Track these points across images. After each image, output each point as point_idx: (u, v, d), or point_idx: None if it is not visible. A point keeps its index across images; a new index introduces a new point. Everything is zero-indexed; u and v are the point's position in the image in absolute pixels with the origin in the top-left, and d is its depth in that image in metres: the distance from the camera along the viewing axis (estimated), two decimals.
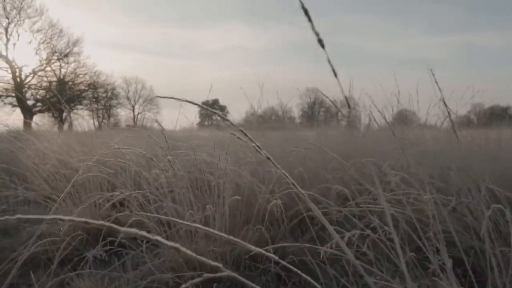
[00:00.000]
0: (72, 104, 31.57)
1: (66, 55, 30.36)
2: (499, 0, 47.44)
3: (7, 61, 28.81)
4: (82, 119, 30.47)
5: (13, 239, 2.77)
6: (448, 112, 3.23)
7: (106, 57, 60.23)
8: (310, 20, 0.86)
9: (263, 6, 58.45)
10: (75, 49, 30.63)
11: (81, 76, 31.51)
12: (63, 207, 2.72)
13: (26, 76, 29.59)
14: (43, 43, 29.43)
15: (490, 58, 46.85)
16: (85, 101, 32.56)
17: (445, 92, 3.39)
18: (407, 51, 52.58)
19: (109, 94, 33.98)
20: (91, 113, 32.63)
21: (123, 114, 36.79)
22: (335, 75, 0.96)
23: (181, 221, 1.18)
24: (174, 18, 57.22)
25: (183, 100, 1.17)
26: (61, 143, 4.30)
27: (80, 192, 2.80)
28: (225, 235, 1.01)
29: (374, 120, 3.81)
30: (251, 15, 58.36)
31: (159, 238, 0.84)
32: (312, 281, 0.94)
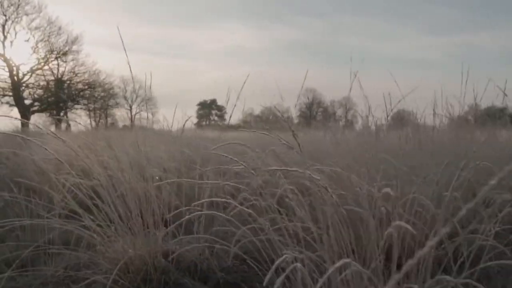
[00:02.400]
0: (69, 104, 30.78)
1: (65, 54, 29.45)
2: (498, 0, 47.15)
3: (4, 59, 27.96)
4: (80, 119, 29.72)
5: (32, 278, 2.07)
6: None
7: (103, 56, 59.42)
8: None
9: (262, 6, 57.89)
10: (74, 47, 29.73)
11: (79, 75, 30.59)
12: (102, 237, 2.01)
13: (24, 75, 28.71)
14: (41, 41, 28.54)
15: (489, 58, 46.44)
16: (83, 101, 31.71)
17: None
18: (406, 51, 52.24)
19: (107, 93, 32.97)
20: (88, 113, 31.83)
21: (119, 114, 35.62)
22: None
23: None
24: (172, 18, 56.51)
25: None
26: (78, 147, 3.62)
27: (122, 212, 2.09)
28: None
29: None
30: (250, 15, 57.77)
31: None
32: None
